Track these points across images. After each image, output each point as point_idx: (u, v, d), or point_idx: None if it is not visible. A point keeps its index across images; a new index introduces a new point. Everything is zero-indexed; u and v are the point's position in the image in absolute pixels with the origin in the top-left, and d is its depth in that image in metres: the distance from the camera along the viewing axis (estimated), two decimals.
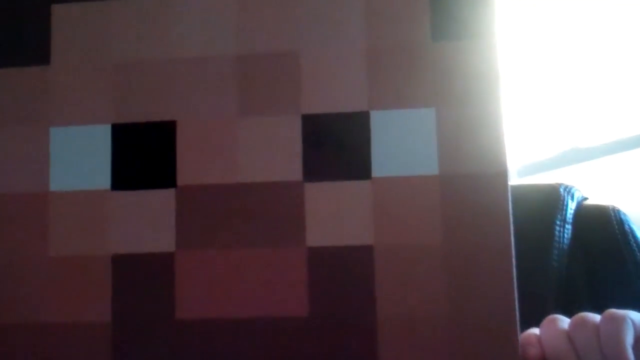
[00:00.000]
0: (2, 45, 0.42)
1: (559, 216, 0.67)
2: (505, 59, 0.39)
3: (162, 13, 0.41)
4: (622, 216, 0.68)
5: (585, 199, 0.71)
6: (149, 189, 0.40)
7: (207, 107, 0.40)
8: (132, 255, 0.39)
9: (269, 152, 0.39)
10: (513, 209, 0.38)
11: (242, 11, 0.40)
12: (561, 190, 0.69)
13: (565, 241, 0.67)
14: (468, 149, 0.38)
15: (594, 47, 1.70)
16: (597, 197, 0.72)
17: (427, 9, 0.39)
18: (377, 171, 0.39)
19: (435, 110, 0.39)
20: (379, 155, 0.39)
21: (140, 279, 0.39)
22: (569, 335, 0.41)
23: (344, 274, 0.38)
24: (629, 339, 0.39)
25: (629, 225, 0.67)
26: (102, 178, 0.40)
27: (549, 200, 0.68)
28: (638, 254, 0.65)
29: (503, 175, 0.38)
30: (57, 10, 0.41)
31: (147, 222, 0.39)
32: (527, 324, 0.42)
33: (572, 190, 0.70)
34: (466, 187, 0.38)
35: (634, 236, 0.66)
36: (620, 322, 0.40)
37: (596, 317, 0.41)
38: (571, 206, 0.68)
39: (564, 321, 0.42)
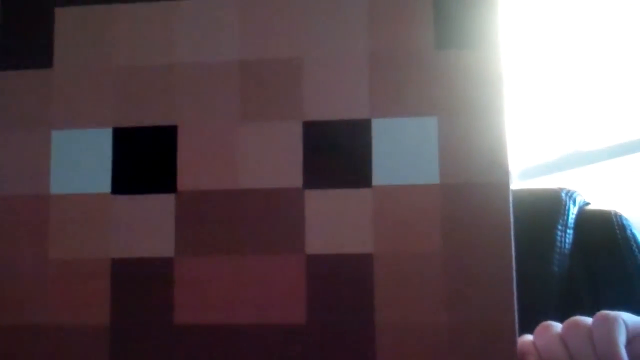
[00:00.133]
0: (5, 48, 0.42)
1: (560, 221, 0.67)
2: (508, 63, 0.39)
3: (165, 18, 0.41)
4: (624, 221, 0.68)
5: (587, 203, 0.71)
6: (149, 193, 0.40)
7: (208, 112, 0.40)
8: (132, 260, 0.39)
9: (270, 159, 0.39)
10: (514, 213, 0.38)
11: (245, 17, 0.40)
12: (563, 195, 0.69)
13: (567, 246, 0.67)
14: (470, 158, 0.38)
15: (596, 50, 1.70)
16: (599, 201, 0.72)
17: (430, 17, 0.39)
18: (377, 179, 0.38)
19: (438, 118, 0.38)
20: (380, 163, 0.38)
21: (139, 284, 0.39)
22: (562, 339, 0.41)
23: (343, 282, 0.38)
24: (622, 339, 0.40)
25: (630, 231, 0.67)
26: (102, 182, 0.40)
27: (550, 205, 0.68)
28: None
29: (505, 185, 0.38)
30: (60, 13, 0.41)
31: (147, 226, 0.39)
32: (528, 329, 0.42)
33: (574, 195, 0.70)
34: (467, 197, 0.38)
35: (636, 241, 0.66)
36: (612, 322, 0.40)
37: (588, 320, 0.41)
38: (573, 211, 0.68)
39: (557, 326, 0.42)
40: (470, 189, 0.38)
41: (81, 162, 0.40)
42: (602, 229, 0.67)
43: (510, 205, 0.38)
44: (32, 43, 0.41)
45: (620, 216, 0.68)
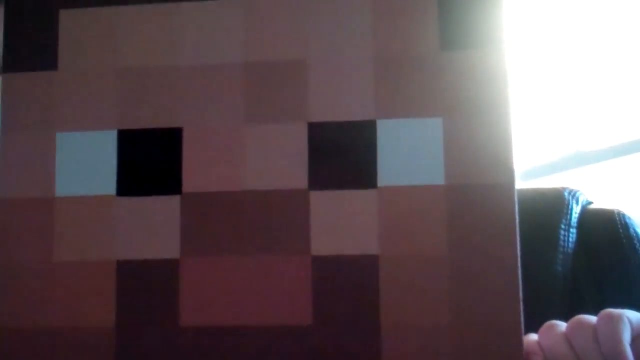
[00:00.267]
0: (10, 50, 0.42)
1: (563, 220, 0.67)
2: (512, 64, 0.39)
3: (170, 20, 0.41)
4: (627, 220, 0.68)
5: (590, 203, 0.71)
6: (154, 195, 0.40)
7: (213, 114, 0.40)
8: (137, 262, 0.39)
9: (275, 160, 0.39)
10: (518, 213, 0.38)
11: (249, 19, 0.40)
12: (566, 194, 0.69)
13: (570, 245, 0.67)
14: (475, 159, 0.38)
15: (598, 50, 1.70)
16: (601, 201, 0.72)
17: (435, 19, 0.39)
18: (383, 180, 0.38)
19: (443, 119, 0.38)
20: (385, 165, 0.38)
21: (145, 285, 0.39)
22: (567, 338, 0.41)
23: (348, 283, 0.38)
24: (627, 336, 0.40)
25: (634, 229, 0.67)
26: (107, 184, 0.40)
27: (553, 205, 0.68)
28: None
29: (510, 185, 0.38)
30: (64, 15, 0.41)
31: (152, 228, 0.39)
32: (531, 329, 0.43)
33: (576, 195, 0.70)
34: (473, 197, 0.38)
35: (639, 240, 0.66)
36: (616, 320, 0.40)
37: (593, 319, 0.41)
38: (576, 210, 0.68)
39: (562, 326, 0.43)
40: (476, 189, 0.38)
41: (86, 164, 0.40)
42: (605, 228, 0.67)
43: (516, 205, 0.38)
44: (37, 45, 0.41)
45: (623, 215, 0.68)
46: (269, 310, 0.38)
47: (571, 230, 0.67)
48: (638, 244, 0.66)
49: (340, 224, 0.38)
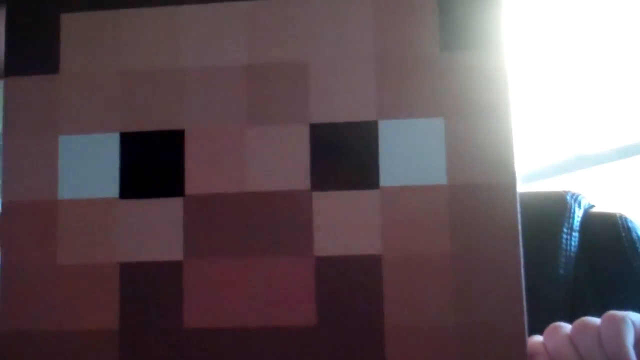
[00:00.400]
0: (12, 53, 0.42)
1: (566, 224, 0.67)
2: (513, 65, 0.39)
3: (171, 22, 0.41)
4: (630, 224, 0.68)
5: (592, 206, 0.71)
6: (157, 197, 0.40)
7: (215, 116, 0.40)
8: (140, 264, 0.39)
9: (277, 161, 0.39)
10: (520, 216, 0.38)
11: (251, 21, 0.40)
12: (568, 197, 0.69)
13: (573, 249, 0.67)
14: (477, 158, 0.38)
15: (600, 52, 1.70)
16: (603, 204, 0.72)
17: (435, 19, 0.39)
18: (385, 180, 0.38)
19: (444, 119, 0.39)
20: (387, 165, 0.39)
21: (148, 288, 0.39)
22: (571, 340, 0.41)
23: (351, 283, 0.38)
24: (630, 339, 0.40)
25: (636, 233, 0.67)
26: (110, 186, 0.40)
27: (556, 208, 0.68)
28: None
29: (512, 185, 0.38)
30: (66, 19, 0.42)
31: (155, 230, 0.39)
32: (534, 331, 0.43)
33: (579, 198, 0.70)
34: (475, 197, 0.38)
35: None
36: (620, 323, 0.40)
37: (597, 321, 0.41)
38: (578, 214, 0.68)
39: (567, 327, 0.43)
40: (478, 189, 0.38)
41: (89, 167, 0.40)
42: (607, 232, 0.67)
43: (518, 205, 0.38)
44: (39, 49, 0.41)
45: (626, 218, 0.68)
46: (272, 311, 0.38)
47: (573, 233, 0.67)
48: None
49: (343, 225, 0.38)
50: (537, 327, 0.43)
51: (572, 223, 0.68)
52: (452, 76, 0.39)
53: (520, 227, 0.38)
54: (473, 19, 0.39)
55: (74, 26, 0.41)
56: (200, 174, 0.39)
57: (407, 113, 0.39)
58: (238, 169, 0.39)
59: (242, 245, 0.39)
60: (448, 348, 0.37)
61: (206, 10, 0.41)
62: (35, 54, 0.41)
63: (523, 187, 0.39)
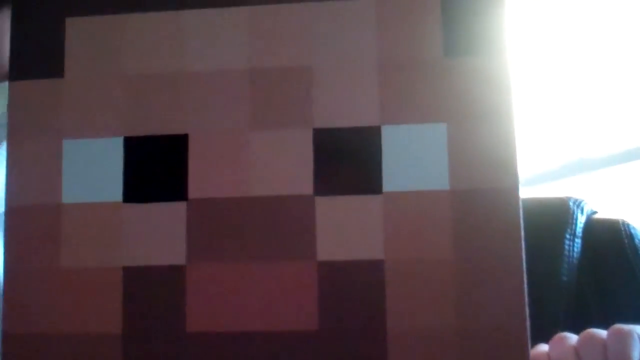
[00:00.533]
0: (16, 57, 0.42)
1: (568, 230, 0.67)
2: (516, 71, 0.39)
3: (176, 27, 0.41)
4: (632, 230, 0.68)
5: (595, 212, 0.71)
6: (161, 201, 0.40)
7: (219, 121, 0.40)
8: (143, 268, 0.39)
9: (280, 166, 0.39)
10: (523, 222, 0.38)
11: (254, 25, 0.40)
12: (571, 203, 0.69)
13: (575, 255, 0.67)
14: (479, 164, 0.38)
15: (601, 56, 1.70)
16: (605, 209, 0.72)
17: (439, 24, 0.39)
18: (388, 186, 0.39)
19: (447, 125, 0.39)
20: (390, 170, 0.39)
21: (151, 292, 0.39)
22: (577, 351, 0.41)
23: (354, 288, 0.38)
24: (636, 353, 0.40)
25: (638, 240, 0.67)
26: (114, 190, 0.40)
27: (558, 214, 0.68)
28: None
29: (514, 190, 0.38)
30: (71, 23, 0.42)
31: (159, 234, 0.39)
32: (536, 338, 0.42)
33: (581, 204, 0.70)
34: (477, 202, 0.38)
35: None
36: (626, 337, 0.40)
37: (603, 333, 0.41)
38: (581, 220, 0.68)
39: (573, 338, 0.43)
40: (480, 195, 0.38)
41: (92, 171, 0.41)
42: (610, 238, 0.67)
43: (520, 211, 0.38)
44: (44, 52, 0.42)
45: (628, 225, 0.68)
46: (275, 316, 0.38)
47: (576, 240, 0.67)
48: None
49: (346, 230, 0.38)
50: (540, 334, 0.43)
51: (575, 229, 0.68)
52: (455, 81, 0.39)
53: (522, 232, 0.38)
54: (476, 24, 0.39)
55: (78, 30, 0.42)
56: (204, 178, 0.40)
57: (410, 118, 0.39)
58: (241, 173, 0.39)
59: (245, 249, 0.39)
60: (451, 352, 0.37)
61: (210, 15, 0.41)
62: (40, 57, 0.42)
63: (525, 190, 0.39)
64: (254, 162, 0.39)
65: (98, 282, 0.39)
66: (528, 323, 0.37)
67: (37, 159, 0.41)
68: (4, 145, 0.73)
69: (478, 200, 0.38)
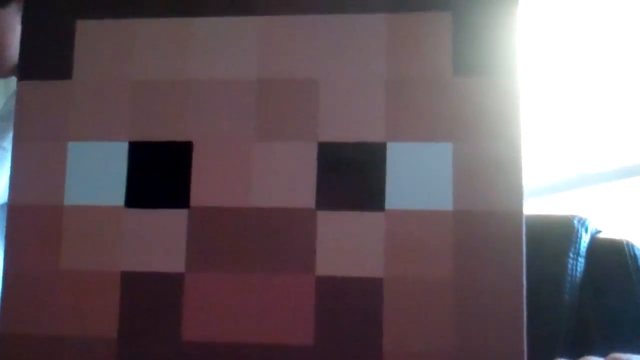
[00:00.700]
0: (26, 57, 0.42)
1: (572, 249, 0.67)
2: (525, 90, 0.39)
3: (186, 34, 0.41)
4: (636, 251, 0.67)
5: (599, 231, 0.71)
6: (162, 208, 0.40)
7: (224, 130, 0.40)
8: (142, 274, 0.39)
9: (284, 178, 0.39)
10: (526, 240, 0.38)
11: (263, 36, 0.40)
12: (575, 222, 0.69)
13: (578, 275, 0.66)
14: (484, 186, 0.38)
15: (602, 71, 1.70)
16: (604, 224, 0.72)
17: (449, 43, 0.39)
18: (390, 203, 0.38)
19: (453, 144, 0.38)
20: (394, 188, 0.38)
21: (149, 298, 0.39)
22: None
23: (352, 305, 0.38)
24: None
25: None
26: (116, 194, 0.40)
27: (562, 233, 0.68)
28: None
29: (518, 214, 0.37)
30: (81, 25, 0.42)
31: (159, 241, 0.39)
32: (537, 358, 0.42)
33: (586, 223, 0.69)
34: (480, 225, 0.38)
35: None
36: None
37: None
38: (585, 239, 0.68)
39: None
40: (484, 217, 0.38)
41: (96, 174, 0.41)
42: (613, 259, 0.67)
43: (524, 235, 0.37)
44: (53, 54, 0.42)
45: (633, 246, 0.68)
46: (270, 328, 0.38)
47: (579, 259, 0.67)
48: None
49: (346, 246, 0.38)
50: (540, 352, 0.43)
51: (579, 248, 0.67)
52: (464, 101, 0.39)
53: (524, 256, 0.37)
54: (487, 45, 0.39)
55: (89, 33, 0.42)
56: (206, 187, 0.39)
57: (416, 136, 0.39)
58: (244, 184, 0.39)
59: (244, 260, 0.39)
60: None
61: (220, 23, 0.41)
62: (50, 58, 0.42)
63: (527, 201, 0.39)
64: (257, 172, 0.39)
65: (96, 286, 0.39)
66: (525, 347, 0.37)
67: (41, 160, 0.41)
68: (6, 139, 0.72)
69: (481, 222, 0.37)
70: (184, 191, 0.40)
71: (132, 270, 0.39)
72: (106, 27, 0.41)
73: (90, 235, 0.40)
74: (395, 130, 0.39)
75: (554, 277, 0.66)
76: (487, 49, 0.39)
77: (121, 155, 0.40)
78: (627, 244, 0.68)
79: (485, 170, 0.38)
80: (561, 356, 0.43)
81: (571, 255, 0.67)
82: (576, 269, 0.66)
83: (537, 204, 1.62)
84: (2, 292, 0.40)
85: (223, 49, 0.40)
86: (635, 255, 0.67)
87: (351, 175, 0.39)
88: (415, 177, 0.38)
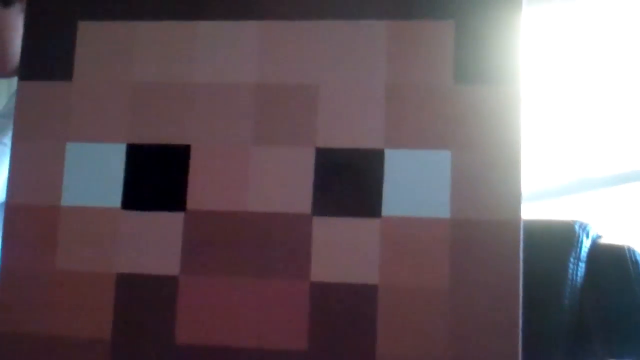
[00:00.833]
0: (27, 57, 0.42)
1: (573, 254, 0.67)
2: (526, 98, 0.39)
3: (186, 38, 0.41)
4: (637, 257, 0.67)
5: (600, 237, 0.71)
6: (159, 210, 0.40)
7: (222, 134, 0.40)
8: (137, 276, 0.39)
9: (280, 183, 0.39)
10: (527, 244, 0.37)
11: (264, 42, 0.40)
12: (576, 227, 0.69)
13: (579, 279, 0.66)
14: (482, 194, 0.38)
15: (603, 77, 1.70)
16: (603, 228, 0.71)
17: (452, 51, 0.39)
18: (387, 210, 0.38)
19: (451, 152, 0.38)
20: (391, 194, 0.38)
21: (143, 300, 0.39)
22: None
23: (346, 311, 0.38)
24: None
25: None
26: (113, 196, 0.40)
27: (564, 238, 0.68)
28: None
29: (516, 223, 0.37)
30: (83, 27, 0.42)
31: (154, 243, 0.39)
32: None
33: (587, 228, 0.69)
34: (477, 233, 0.37)
35: None
36: None
37: None
38: (586, 244, 0.68)
39: None
40: (481, 225, 0.37)
41: (94, 175, 0.40)
42: (614, 264, 0.67)
43: (521, 244, 0.37)
44: (54, 55, 0.42)
45: (634, 251, 0.67)
46: (264, 333, 0.38)
47: (580, 264, 0.67)
48: None
49: (342, 252, 0.38)
50: (541, 356, 0.43)
51: (580, 253, 0.67)
52: (464, 109, 0.38)
53: (521, 265, 0.37)
54: (489, 54, 0.39)
55: (90, 34, 0.41)
56: (203, 190, 0.39)
57: (415, 143, 0.38)
58: (241, 188, 0.39)
59: (238, 264, 0.38)
60: None
61: (221, 28, 0.41)
62: (51, 59, 0.42)
63: (526, 205, 0.38)
64: (254, 177, 0.39)
65: (91, 287, 0.39)
66: (520, 356, 0.37)
67: (40, 160, 0.41)
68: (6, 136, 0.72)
69: (478, 230, 0.37)
70: (181, 194, 0.40)
71: (127, 272, 0.39)
72: (107, 29, 0.41)
73: (87, 236, 0.40)
74: (394, 137, 0.39)
75: (554, 281, 0.66)
76: (490, 58, 0.38)
77: (119, 156, 0.40)
78: (628, 249, 0.67)
79: (483, 179, 0.38)
80: None
81: (572, 260, 0.66)
82: (577, 274, 0.66)
83: (538, 208, 1.62)
84: None
85: (223, 53, 0.40)
86: (636, 260, 0.67)
87: (348, 181, 0.39)
88: (413, 185, 0.38)
